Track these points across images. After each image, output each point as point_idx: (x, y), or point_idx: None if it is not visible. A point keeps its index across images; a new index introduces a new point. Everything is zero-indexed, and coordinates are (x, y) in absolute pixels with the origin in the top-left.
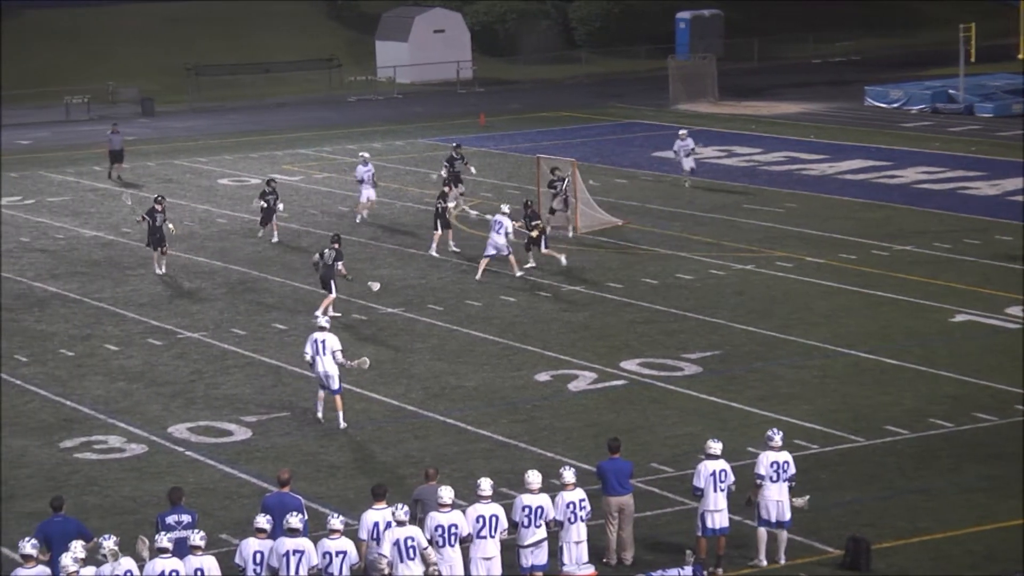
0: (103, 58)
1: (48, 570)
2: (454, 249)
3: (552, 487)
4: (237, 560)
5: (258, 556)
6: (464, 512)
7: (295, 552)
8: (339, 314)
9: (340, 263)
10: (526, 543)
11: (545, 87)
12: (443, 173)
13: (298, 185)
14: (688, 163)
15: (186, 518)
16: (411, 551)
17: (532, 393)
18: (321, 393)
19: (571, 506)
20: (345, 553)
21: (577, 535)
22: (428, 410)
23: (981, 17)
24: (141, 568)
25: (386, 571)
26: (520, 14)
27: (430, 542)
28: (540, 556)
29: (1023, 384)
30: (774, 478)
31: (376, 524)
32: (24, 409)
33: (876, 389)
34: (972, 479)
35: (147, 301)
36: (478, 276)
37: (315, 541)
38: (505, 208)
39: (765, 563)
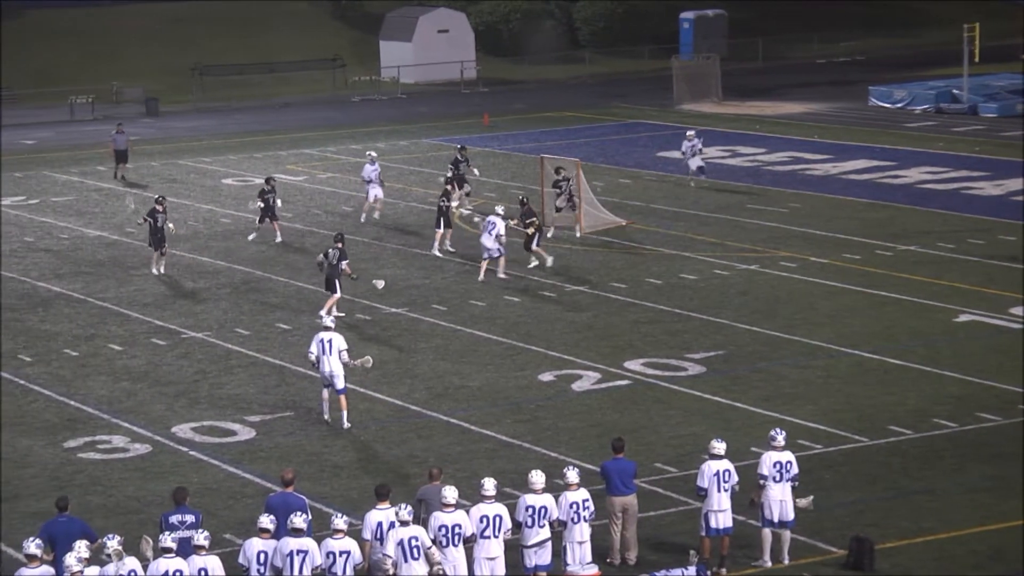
0: (108, 58)
1: (52, 570)
2: (449, 249)
3: (556, 487)
4: (241, 560)
5: (262, 556)
6: (468, 512)
7: (299, 552)
8: (343, 314)
9: (344, 262)
10: (530, 543)
11: (549, 87)
12: (448, 175)
13: (302, 185)
14: (695, 163)
15: (190, 518)
16: (415, 551)
17: (536, 393)
18: (325, 393)
19: (575, 506)
20: (349, 553)
21: (581, 535)
22: (432, 410)
23: (985, 17)
24: (145, 568)
25: (390, 571)
26: (524, 14)
27: (434, 542)
28: (544, 556)
29: None
30: (777, 478)
31: (380, 524)
32: (28, 409)
33: (880, 389)
34: (976, 479)
35: (151, 301)
36: (480, 277)
37: (319, 541)
38: (499, 209)
39: (769, 563)
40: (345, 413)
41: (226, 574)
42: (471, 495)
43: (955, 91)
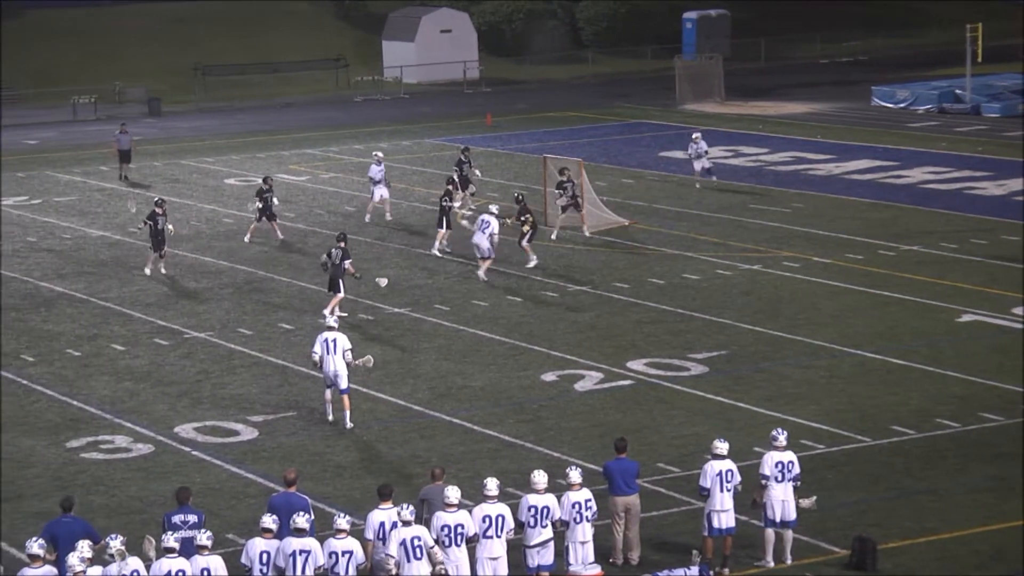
0: (108, 58)
1: (55, 570)
2: (446, 249)
3: (558, 487)
4: (243, 560)
5: (264, 556)
6: (470, 512)
7: (301, 552)
8: (345, 314)
9: (348, 262)
10: (532, 543)
11: (552, 87)
12: (455, 177)
13: (305, 185)
14: (699, 164)
15: (192, 518)
16: (417, 551)
17: (538, 393)
18: (328, 394)
19: (577, 506)
20: (351, 553)
21: (583, 535)
22: (434, 410)
23: (988, 17)
24: (148, 568)
25: (392, 571)
26: (527, 14)
27: (436, 542)
28: (546, 556)
29: None
30: (779, 478)
31: (382, 524)
32: (31, 409)
33: (883, 389)
34: (979, 479)
35: (154, 301)
36: (484, 278)
37: (321, 541)
38: (493, 208)
39: (772, 564)
40: (348, 413)
41: (229, 574)
42: (474, 495)
43: (958, 91)
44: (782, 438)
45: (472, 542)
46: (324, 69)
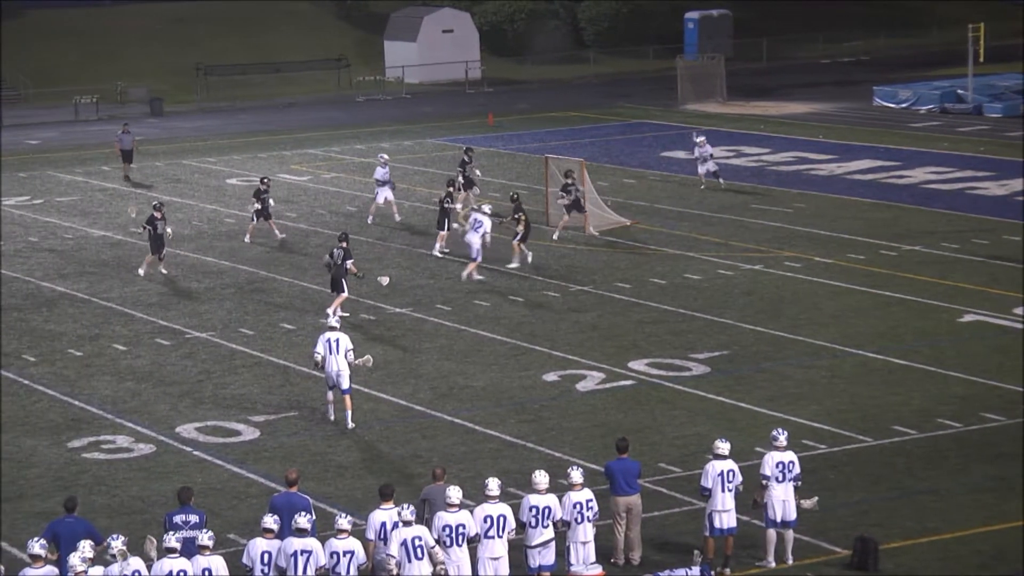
0: (109, 58)
1: (56, 570)
2: (444, 250)
3: (560, 487)
4: (245, 560)
5: (266, 556)
6: (472, 512)
7: (303, 552)
8: (347, 314)
9: (349, 261)
10: (533, 543)
11: (554, 87)
12: (460, 180)
13: (306, 185)
14: (704, 168)
15: (193, 518)
16: (418, 551)
17: (540, 393)
18: (330, 395)
19: (578, 506)
20: (353, 553)
21: (584, 535)
22: (436, 410)
23: (990, 17)
24: (149, 568)
25: (394, 571)
26: (529, 14)
27: (438, 542)
28: (547, 556)
29: None
30: (780, 478)
31: (384, 524)
32: (32, 409)
33: (884, 389)
34: (980, 479)
35: (155, 301)
36: (479, 277)
37: (323, 541)
38: (486, 208)
39: (773, 564)
40: (349, 413)
41: (230, 574)
42: (475, 495)
43: (960, 91)
44: (782, 438)
45: (473, 542)
46: (326, 69)
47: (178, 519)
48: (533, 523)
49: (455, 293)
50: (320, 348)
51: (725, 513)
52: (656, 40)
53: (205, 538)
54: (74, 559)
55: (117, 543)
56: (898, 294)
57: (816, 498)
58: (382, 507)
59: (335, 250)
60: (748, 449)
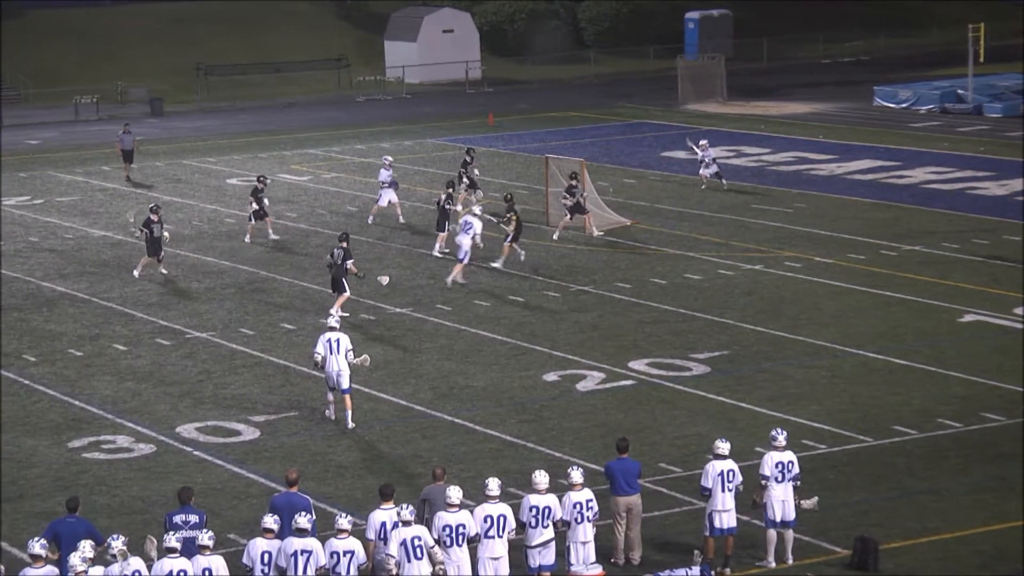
0: (109, 58)
1: (56, 570)
2: (444, 250)
3: (560, 487)
4: (245, 560)
5: (266, 556)
6: (472, 512)
7: (303, 552)
8: (347, 314)
9: (350, 261)
10: (533, 543)
11: (554, 87)
12: (465, 182)
13: (307, 185)
14: (707, 171)
15: (194, 518)
16: (418, 551)
17: (540, 393)
18: (331, 396)
19: (578, 506)
20: (353, 553)
21: (584, 535)
22: (436, 410)
23: (990, 17)
24: (149, 568)
25: (393, 571)
26: (529, 14)
27: (438, 542)
28: (547, 556)
29: None
30: (779, 478)
31: (384, 524)
32: (33, 409)
33: (885, 389)
34: (980, 479)
35: (156, 301)
36: (463, 281)
37: (323, 541)
38: (476, 209)
39: (773, 564)
40: (350, 413)
41: (230, 574)
42: (475, 495)
43: (960, 91)
44: (781, 438)
45: (473, 542)
46: (326, 69)
47: (178, 519)
48: (533, 523)
49: (455, 293)
50: (320, 348)
51: (725, 513)
52: (656, 40)
53: (205, 538)
54: (74, 559)
55: (117, 543)
56: (898, 294)
57: (816, 498)
58: (382, 507)
59: (335, 250)
60: (748, 449)
